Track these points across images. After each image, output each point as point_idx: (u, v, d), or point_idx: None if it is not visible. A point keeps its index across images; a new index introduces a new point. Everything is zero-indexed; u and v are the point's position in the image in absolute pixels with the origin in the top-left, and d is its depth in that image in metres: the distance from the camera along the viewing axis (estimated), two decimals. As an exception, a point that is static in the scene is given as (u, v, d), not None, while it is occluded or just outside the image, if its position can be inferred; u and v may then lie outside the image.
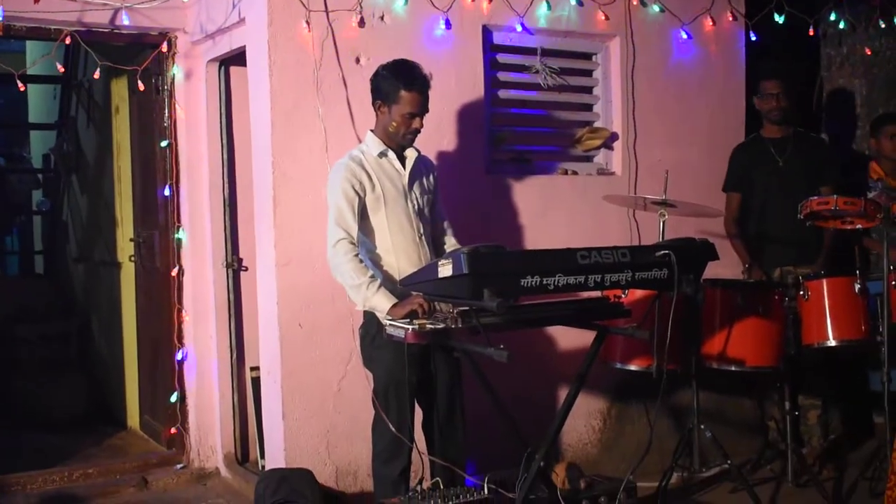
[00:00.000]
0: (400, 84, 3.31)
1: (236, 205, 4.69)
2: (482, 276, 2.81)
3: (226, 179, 4.66)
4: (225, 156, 4.66)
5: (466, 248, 2.87)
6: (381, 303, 3.22)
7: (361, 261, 3.28)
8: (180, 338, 4.70)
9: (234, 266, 4.68)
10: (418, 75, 3.35)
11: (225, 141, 4.65)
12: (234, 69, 4.63)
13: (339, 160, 3.42)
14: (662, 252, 3.11)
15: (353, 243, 3.28)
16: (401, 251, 3.41)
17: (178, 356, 4.70)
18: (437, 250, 3.58)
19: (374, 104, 3.41)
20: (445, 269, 2.87)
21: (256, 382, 4.49)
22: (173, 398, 4.71)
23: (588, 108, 4.81)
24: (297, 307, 3.88)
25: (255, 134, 4.03)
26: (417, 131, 3.40)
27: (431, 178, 3.60)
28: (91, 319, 6.35)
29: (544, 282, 2.92)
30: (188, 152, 4.67)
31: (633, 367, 4.02)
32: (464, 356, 3.22)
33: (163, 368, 4.91)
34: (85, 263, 6.45)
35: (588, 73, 4.78)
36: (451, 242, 3.65)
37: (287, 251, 3.86)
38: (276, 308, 3.86)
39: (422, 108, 3.36)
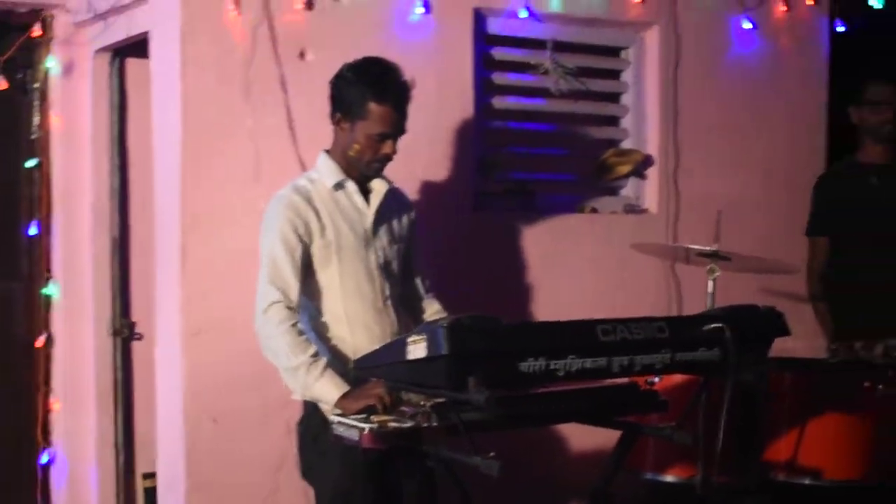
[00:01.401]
0: (368, 93, 3.32)
1: (129, 249, 4.72)
2: (467, 358, 2.80)
3: (116, 215, 4.68)
4: (116, 183, 4.69)
5: (446, 319, 2.87)
6: (327, 391, 3.21)
7: (302, 332, 3.28)
8: (46, 433, 4.70)
9: (125, 334, 4.68)
10: (395, 83, 3.36)
11: (116, 162, 4.68)
12: (132, 63, 4.67)
13: (279, 192, 3.42)
14: (714, 325, 3.12)
15: (290, 308, 3.28)
16: (356, 321, 3.41)
17: (43, 459, 4.69)
18: (411, 319, 3.59)
19: (332, 116, 3.42)
20: (417, 349, 2.86)
21: (151, 495, 4.47)
22: (35, 517, 4.67)
23: (614, 122, 4.87)
24: (211, 394, 3.89)
25: (159, 154, 4.05)
26: (388, 158, 3.41)
27: (405, 220, 3.61)
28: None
29: (552, 366, 2.91)
30: (65, 176, 4.70)
31: (669, 479, 4.03)
32: (439, 466, 3.18)
33: (18, 476, 4.85)
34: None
35: (615, 74, 4.85)
36: (431, 310, 3.66)
37: (198, 317, 3.88)
38: (182, 394, 3.87)
39: (396, 128, 3.37)
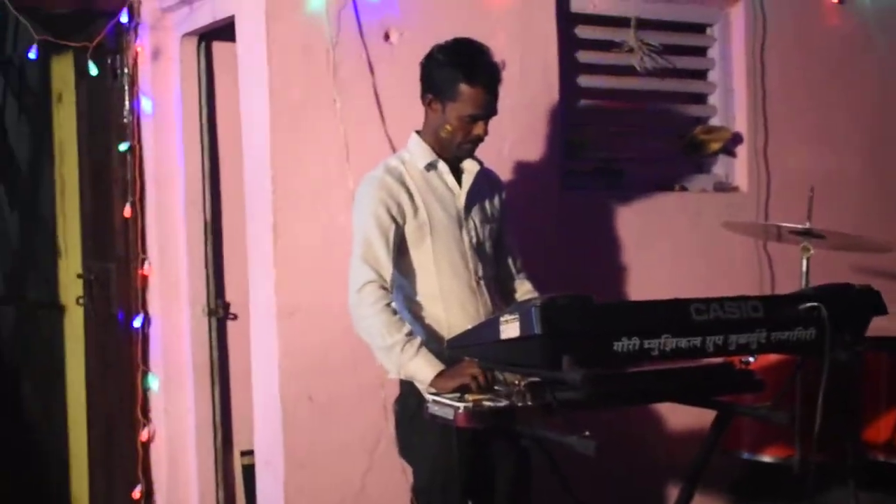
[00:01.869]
0: (460, 75, 3.31)
1: (222, 231, 4.76)
2: (561, 337, 2.80)
3: (208, 196, 4.72)
4: (206, 164, 4.72)
5: (539, 298, 2.87)
6: (422, 370, 3.22)
7: (396, 312, 3.29)
8: (146, 411, 4.74)
9: (219, 314, 4.73)
10: (486, 64, 3.35)
11: (206, 144, 4.72)
12: (218, 46, 4.71)
13: (370, 172, 3.43)
14: (809, 304, 3.09)
15: (384, 288, 3.29)
16: (452, 300, 3.41)
17: (144, 436, 4.74)
18: (503, 299, 3.58)
19: (423, 98, 3.42)
20: (510, 328, 2.86)
21: (249, 472, 4.50)
22: (136, 493, 4.73)
23: (701, 99, 4.85)
24: (307, 374, 3.92)
25: (249, 136, 4.09)
26: (480, 139, 3.41)
27: (497, 200, 3.61)
28: (21, 381, 6.40)
29: (646, 345, 2.89)
30: (157, 159, 4.73)
31: (766, 459, 4.03)
32: (534, 445, 3.21)
33: (121, 453, 4.93)
34: (15, 305, 6.51)
35: (701, 51, 4.83)
36: (523, 289, 3.66)
37: (292, 297, 3.91)
38: (278, 374, 3.90)
39: (488, 110, 3.36)
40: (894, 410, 4.01)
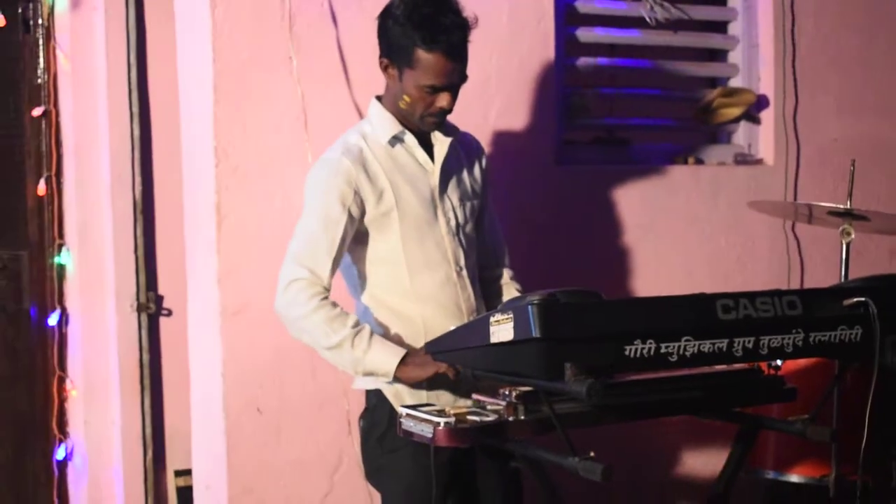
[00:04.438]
0: (416, 37, 3.23)
1: (154, 212, 4.71)
2: (563, 341, 2.76)
3: (137, 171, 4.67)
4: (136, 133, 4.67)
5: (536, 295, 2.80)
6: (382, 360, 3.19)
7: (336, 304, 3.25)
8: (62, 425, 4.72)
9: (151, 310, 4.69)
10: (448, 26, 3.25)
11: (136, 109, 4.66)
12: None
13: (325, 154, 3.38)
14: (855, 300, 3.05)
15: (319, 285, 3.25)
16: (427, 296, 3.37)
17: (60, 454, 4.71)
18: (485, 292, 3.56)
19: (379, 62, 3.37)
20: (503, 330, 2.82)
21: (185, 495, 4.48)
22: (51, 522, 4.71)
23: (721, 56, 4.83)
24: (255, 382, 3.89)
25: (187, 101, 4.04)
26: (445, 112, 3.34)
27: (477, 170, 3.56)
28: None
29: (663, 349, 2.86)
30: (77, 127, 4.69)
31: (794, 479, 4.01)
32: (527, 467, 3.15)
33: (33, 473, 4.88)
34: None
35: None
36: (507, 280, 3.63)
37: (238, 292, 3.87)
38: (221, 383, 3.86)
39: (452, 78, 3.28)
40: None
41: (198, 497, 4.10)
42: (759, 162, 4.76)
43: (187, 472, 4.44)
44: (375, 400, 3.36)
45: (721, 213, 4.60)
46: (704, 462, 4.44)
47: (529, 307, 2.75)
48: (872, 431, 3.29)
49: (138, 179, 4.68)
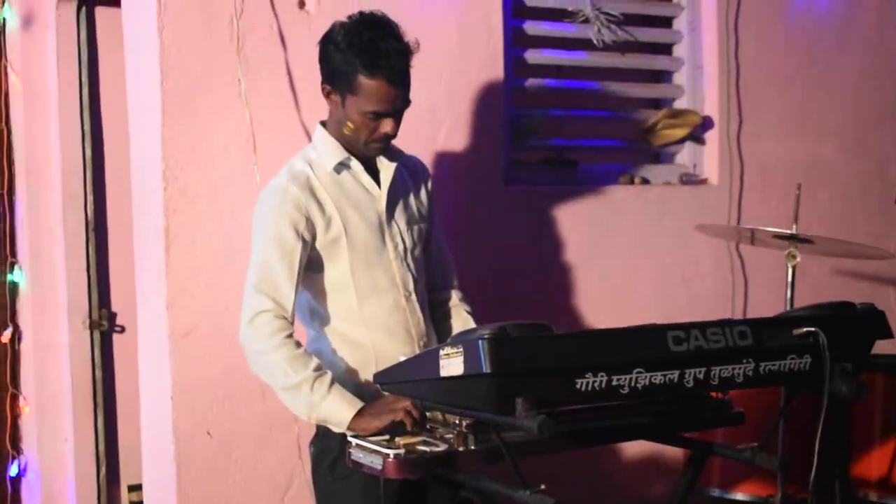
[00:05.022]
0: (357, 64, 3.12)
1: (107, 230, 4.61)
2: (513, 376, 2.63)
3: (89, 190, 4.60)
4: (88, 152, 4.59)
5: (487, 328, 2.67)
6: (337, 409, 3.08)
7: (300, 345, 3.14)
8: (16, 441, 4.65)
9: (104, 327, 4.61)
10: (392, 51, 3.14)
11: (88, 128, 4.59)
12: (102, 12, 4.61)
13: (272, 181, 3.27)
14: (805, 329, 2.93)
15: (284, 317, 3.15)
16: (377, 323, 3.26)
17: (13, 470, 4.65)
18: (434, 314, 3.46)
19: (322, 88, 3.27)
20: (453, 364, 2.68)
21: None
22: (3, 540, 4.66)
23: (666, 77, 4.77)
24: (205, 405, 3.76)
25: (136, 122, 3.91)
26: (389, 137, 3.24)
27: (423, 193, 3.47)
28: None
29: (614, 382, 2.73)
30: (28, 145, 4.63)
31: (739, 497, 3.98)
32: (477, 497, 3.00)
33: (-14, 490, 4.83)
34: None
35: (667, 21, 4.75)
36: (456, 302, 3.52)
37: (187, 315, 3.73)
38: (171, 406, 3.73)
39: (394, 104, 3.17)
40: (890, 442, 3.92)
41: (148, 520, 3.99)
42: (704, 182, 4.69)
43: (140, 487, 4.32)
44: (325, 427, 3.22)
45: (666, 233, 4.53)
46: (655, 487, 4.34)
47: (480, 342, 2.61)
48: (823, 458, 3.17)
49: (90, 198, 4.61)
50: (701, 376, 2.84)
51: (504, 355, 2.61)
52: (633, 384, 2.76)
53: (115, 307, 4.66)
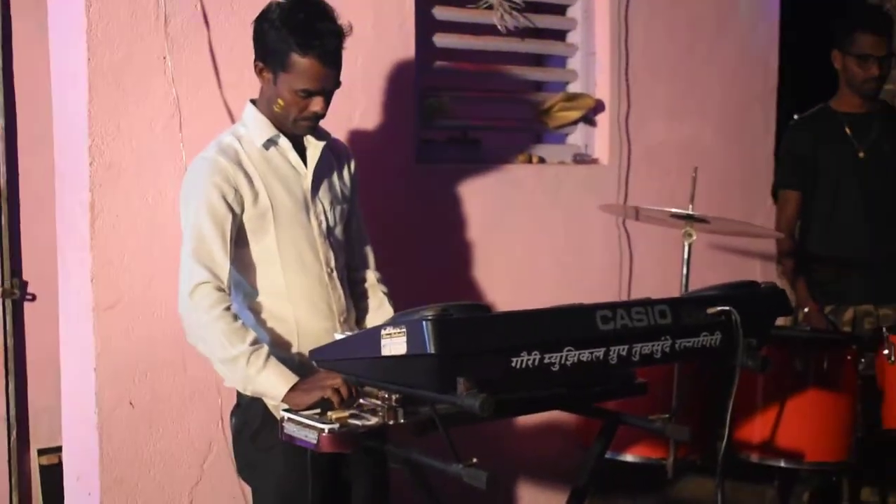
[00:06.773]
0: (292, 42, 3.02)
1: (18, 200, 4.34)
2: (455, 356, 2.58)
3: (2, 160, 4.29)
4: (1, 122, 4.29)
5: (430, 309, 2.60)
6: (273, 385, 2.97)
7: (238, 317, 3.03)
8: None
9: (16, 295, 4.35)
10: (325, 31, 3.05)
11: (1, 99, 4.27)
12: None
13: (201, 154, 3.14)
14: (719, 308, 2.95)
15: (221, 289, 3.04)
16: (300, 297, 3.15)
17: None
18: (352, 292, 3.37)
19: (255, 65, 3.15)
20: (395, 344, 2.60)
21: (49, 473, 4.21)
22: None
23: (560, 62, 4.72)
24: (128, 376, 3.61)
25: (61, 99, 3.71)
26: (318, 116, 3.15)
27: (346, 175, 3.39)
28: None
29: (546, 360, 2.71)
30: None
31: (629, 458, 3.95)
32: (407, 470, 2.92)
33: None
34: None
35: (561, 9, 4.67)
36: (373, 282, 3.44)
37: (112, 287, 3.57)
38: (94, 377, 3.57)
39: (325, 83, 3.09)
40: (771, 409, 3.94)
41: (68, 488, 3.80)
42: (595, 161, 4.65)
43: (51, 451, 4.20)
44: (248, 398, 3.14)
45: (562, 208, 4.48)
46: (564, 456, 4.28)
47: (424, 323, 2.56)
48: (732, 424, 3.30)
49: (3, 168, 4.30)
50: (624, 353, 2.85)
51: (447, 336, 2.57)
52: (563, 361, 2.75)
53: (26, 276, 4.36)
